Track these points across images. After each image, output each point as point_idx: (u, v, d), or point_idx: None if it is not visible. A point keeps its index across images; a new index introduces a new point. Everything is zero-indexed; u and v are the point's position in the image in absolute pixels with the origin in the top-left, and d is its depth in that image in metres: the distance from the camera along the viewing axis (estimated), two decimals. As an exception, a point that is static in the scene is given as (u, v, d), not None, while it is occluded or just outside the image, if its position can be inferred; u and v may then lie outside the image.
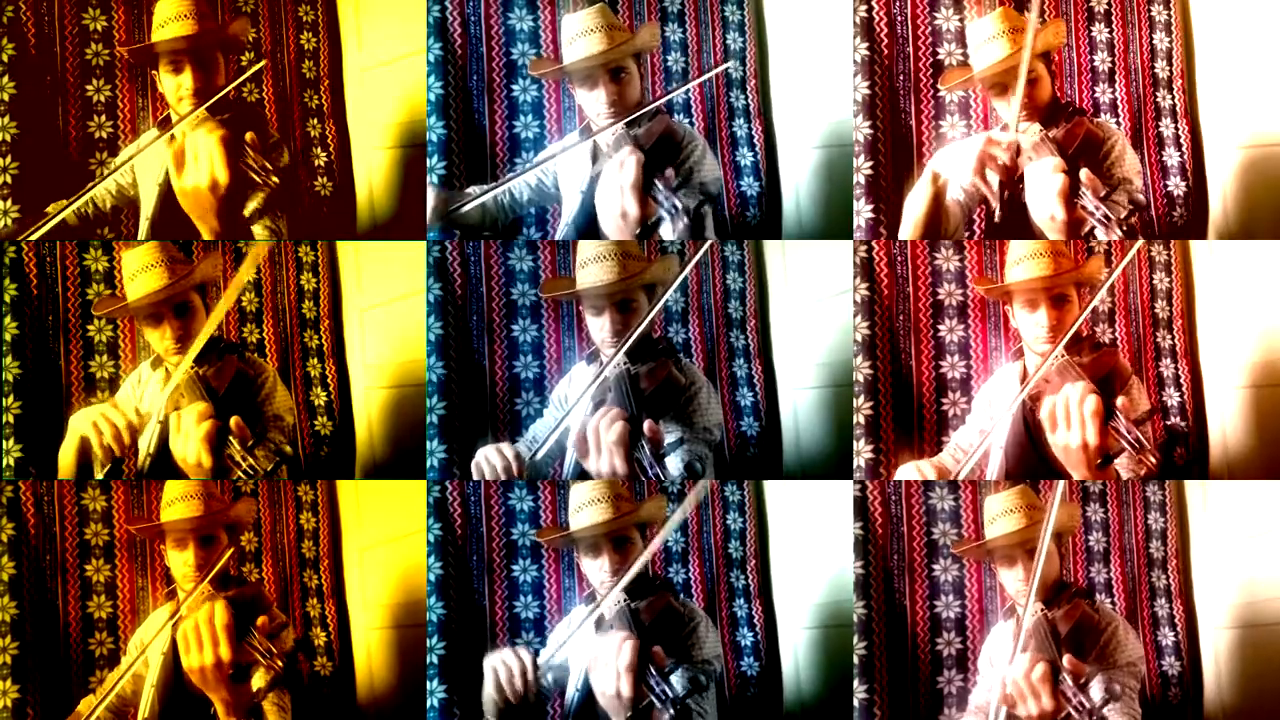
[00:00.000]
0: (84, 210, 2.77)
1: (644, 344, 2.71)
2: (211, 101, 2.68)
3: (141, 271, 2.65)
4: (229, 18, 2.82)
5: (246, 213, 2.73)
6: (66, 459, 2.68)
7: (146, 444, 2.67)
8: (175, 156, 2.67)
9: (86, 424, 2.66)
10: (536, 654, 2.71)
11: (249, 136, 2.67)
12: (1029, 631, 2.62)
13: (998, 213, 2.73)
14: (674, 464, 2.64)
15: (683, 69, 2.93)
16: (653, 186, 2.64)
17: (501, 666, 2.66)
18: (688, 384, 2.71)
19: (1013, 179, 2.70)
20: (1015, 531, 2.67)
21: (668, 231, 2.68)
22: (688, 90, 2.93)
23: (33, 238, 2.73)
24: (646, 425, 2.60)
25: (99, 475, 2.67)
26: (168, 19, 2.68)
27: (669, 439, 2.63)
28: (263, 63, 2.84)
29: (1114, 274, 2.75)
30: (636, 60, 2.74)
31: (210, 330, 2.68)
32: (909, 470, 2.74)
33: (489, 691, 2.66)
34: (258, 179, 2.68)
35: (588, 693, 2.62)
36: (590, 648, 2.62)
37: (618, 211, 2.65)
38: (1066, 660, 2.60)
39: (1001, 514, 2.69)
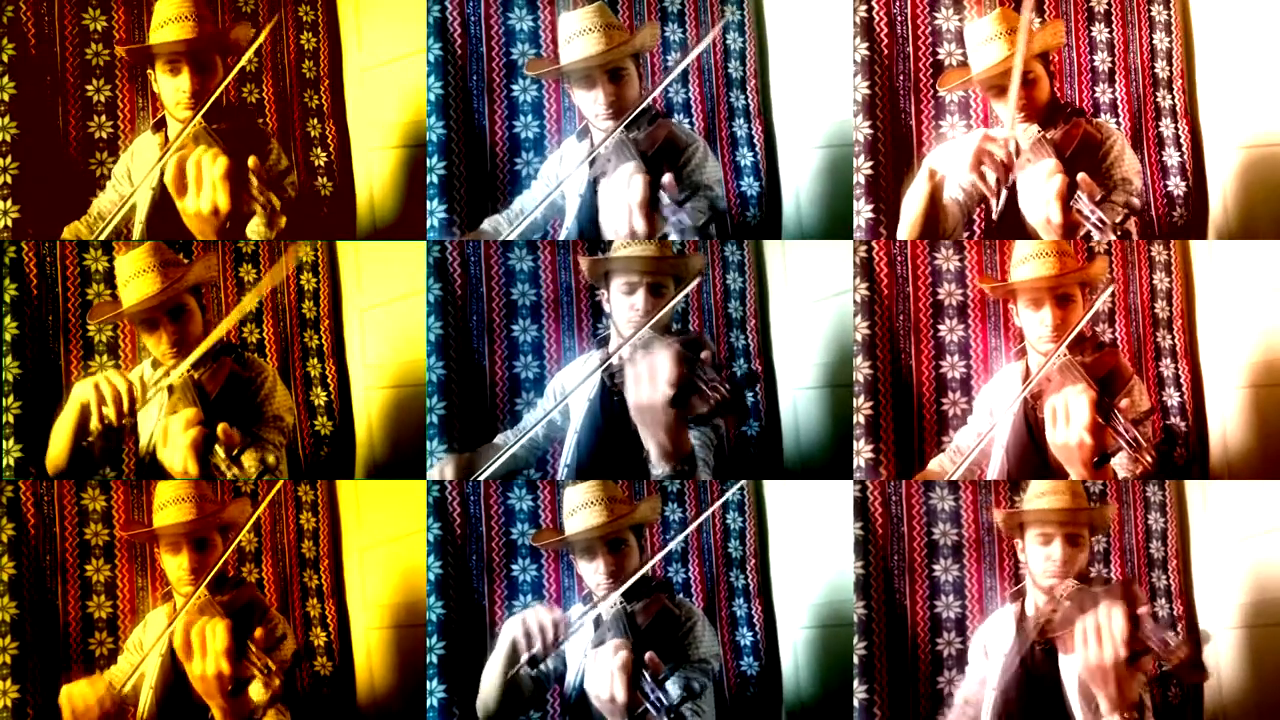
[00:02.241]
0: (96, 228, 2.77)
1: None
2: (206, 107, 2.67)
3: (135, 277, 2.64)
4: (230, 21, 2.81)
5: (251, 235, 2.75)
6: (63, 430, 2.66)
7: (146, 444, 2.68)
8: (175, 180, 2.66)
9: (88, 387, 2.64)
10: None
11: (252, 162, 2.66)
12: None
13: (996, 210, 2.72)
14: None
15: (683, 69, 2.93)
16: (658, 203, 2.62)
17: (523, 625, 2.65)
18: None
19: (1010, 177, 2.70)
20: (1054, 509, 2.66)
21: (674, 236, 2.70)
22: (688, 90, 2.93)
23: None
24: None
25: (93, 437, 2.66)
26: (167, 20, 2.67)
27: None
28: (260, 37, 2.81)
29: (1112, 284, 2.74)
30: (635, 60, 2.73)
31: (214, 339, 2.69)
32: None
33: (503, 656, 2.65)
34: (263, 212, 2.68)
35: (581, 693, 2.62)
36: (585, 653, 2.62)
37: (625, 231, 2.64)
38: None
39: (1042, 494, 2.69)
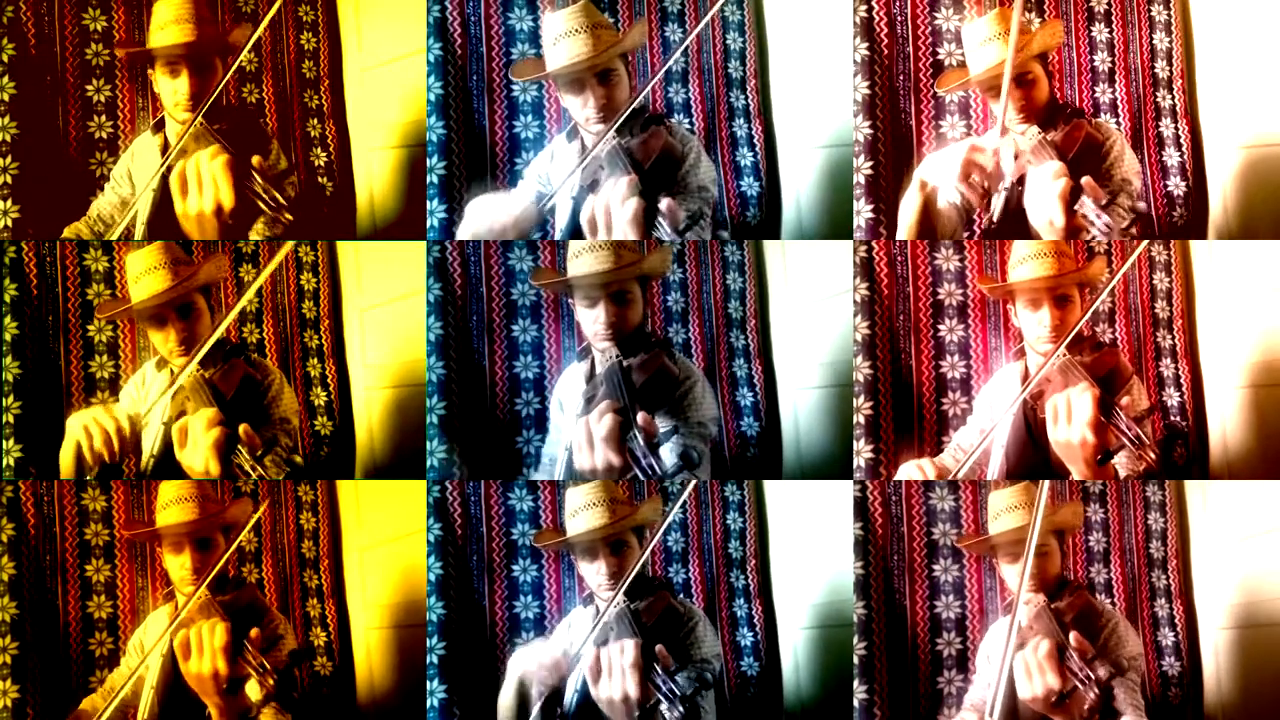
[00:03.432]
0: (96, 229, 2.77)
1: (637, 336, 2.70)
2: (205, 107, 2.67)
3: (145, 274, 2.65)
4: (230, 22, 2.81)
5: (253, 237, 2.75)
6: (66, 461, 2.68)
7: (150, 445, 2.68)
8: (179, 182, 2.66)
9: (79, 427, 2.66)
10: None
11: (256, 160, 2.66)
12: (1033, 618, 2.63)
13: (993, 217, 2.73)
14: (669, 454, 2.63)
15: (682, 69, 2.93)
16: (656, 226, 2.61)
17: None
18: (682, 378, 2.70)
19: (1008, 183, 2.70)
20: (1019, 528, 2.67)
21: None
22: (688, 90, 2.93)
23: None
24: (640, 416, 2.58)
25: (89, 478, 2.67)
26: (167, 22, 2.67)
27: (663, 428, 2.62)
28: (258, 31, 2.81)
29: (1114, 280, 2.74)
30: (624, 59, 2.71)
31: (219, 333, 2.69)
32: (910, 469, 2.75)
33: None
34: (266, 208, 2.68)
35: (585, 697, 2.63)
36: (590, 655, 2.62)
37: (618, 235, 2.63)
38: (1073, 638, 2.61)
39: (1006, 510, 2.69)
